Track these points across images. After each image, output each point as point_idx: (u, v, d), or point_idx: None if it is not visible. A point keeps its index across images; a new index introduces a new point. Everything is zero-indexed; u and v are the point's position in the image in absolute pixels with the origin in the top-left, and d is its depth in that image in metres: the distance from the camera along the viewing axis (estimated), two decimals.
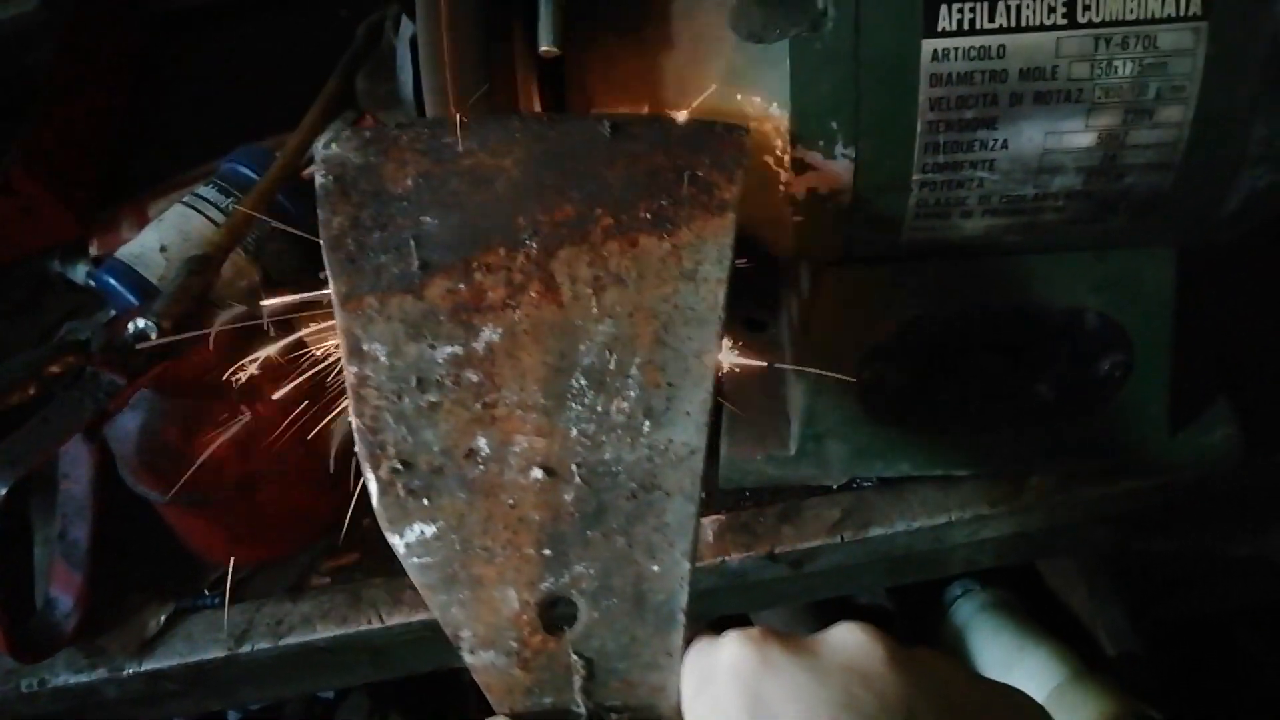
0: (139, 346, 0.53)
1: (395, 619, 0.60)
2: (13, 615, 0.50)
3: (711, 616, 0.67)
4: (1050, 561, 0.82)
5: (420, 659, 0.64)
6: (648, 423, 0.38)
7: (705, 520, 0.62)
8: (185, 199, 0.73)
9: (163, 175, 0.88)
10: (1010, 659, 0.74)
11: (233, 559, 0.61)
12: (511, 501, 0.38)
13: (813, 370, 0.57)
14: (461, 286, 0.39)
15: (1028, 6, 0.42)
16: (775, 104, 0.45)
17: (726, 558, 0.61)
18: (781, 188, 0.47)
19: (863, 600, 0.88)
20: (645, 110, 0.49)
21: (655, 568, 0.38)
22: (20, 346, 0.81)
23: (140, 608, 0.61)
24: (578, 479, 0.38)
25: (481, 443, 0.39)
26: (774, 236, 0.52)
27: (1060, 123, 0.44)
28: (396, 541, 0.38)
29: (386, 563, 0.63)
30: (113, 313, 0.78)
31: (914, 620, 0.83)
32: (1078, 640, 0.77)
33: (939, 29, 0.43)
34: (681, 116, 0.42)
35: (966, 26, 0.43)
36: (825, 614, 0.83)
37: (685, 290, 0.39)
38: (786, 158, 0.46)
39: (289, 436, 0.59)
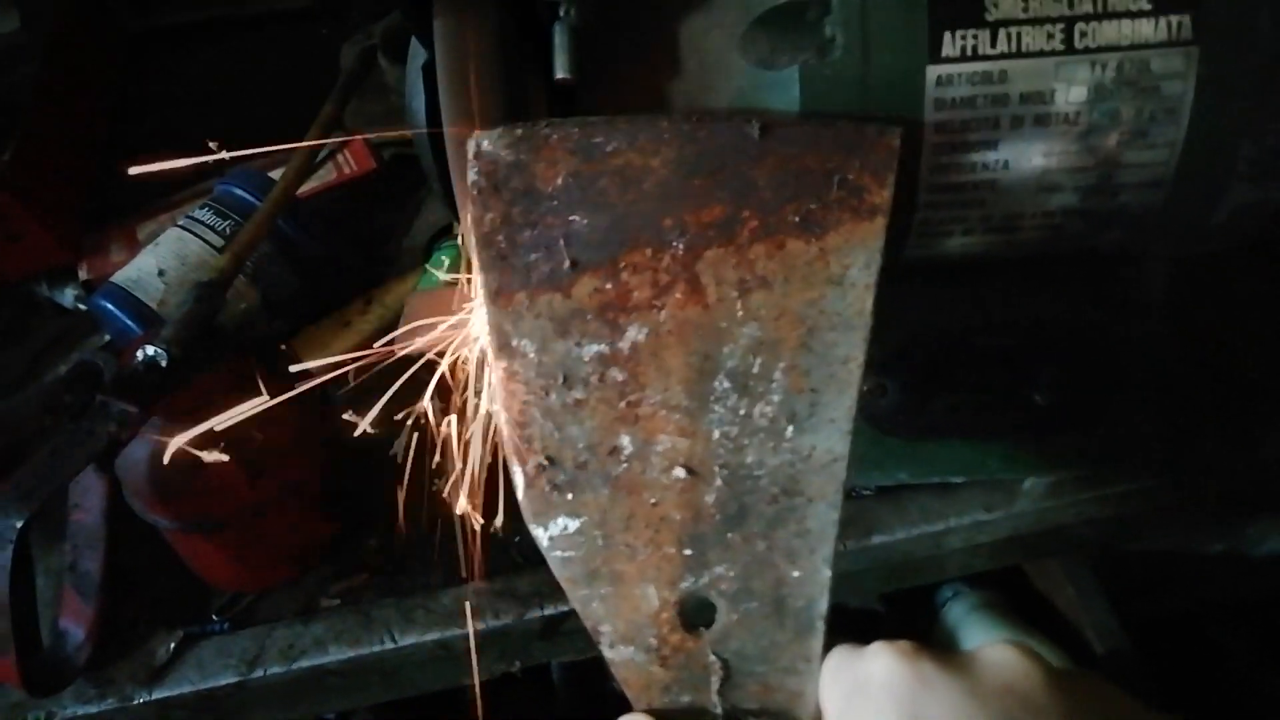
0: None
1: (407, 639, 0.61)
2: (25, 648, 0.50)
3: None
4: (1036, 563, 0.84)
5: (431, 678, 0.64)
6: (791, 428, 0.39)
7: None
8: (181, 222, 0.73)
9: (147, 197, 0.87)
10: None
11: (242, 584, 0.61)
12: (653, 500, 0.39)
13: None
14: (608, 286, 0.39)
15: (1027, 34, 0.44)
16: None
17: None
18: None
19: (854, 604, 0.90)
20: None
21: (795, 573, 0.38)
22: (9, 371, 0.80)
23: (148, 636, 0.61)
24: (719, 480, 0.39)
25: (625, 441, 0.39)
26: None
27: (1059, 144, 0.46)
28: (540, 534, 0.39)
29: (396, 583, 0.63)
30: (107, 337, 0.78)
31: (905, 623, 0.85)
32: (1066, 640, 0.78)
33: (943, 55, 0.44)
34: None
35: (969, 52, 0.44)
36: None
37: (832, 295, 0.39)
38: None
39: (298, 461, 0.59)
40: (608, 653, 0.39)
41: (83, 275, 0.83)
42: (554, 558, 0.39)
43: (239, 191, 0.73)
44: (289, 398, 0.59)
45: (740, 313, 0.39)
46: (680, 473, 0.39)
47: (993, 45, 0.44)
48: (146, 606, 0.62)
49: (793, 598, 0.38)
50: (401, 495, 0.49)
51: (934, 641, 0.82)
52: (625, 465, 0.39)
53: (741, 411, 0.39)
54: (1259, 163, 0.47)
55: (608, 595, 0.39)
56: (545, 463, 0.39)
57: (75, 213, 0.87)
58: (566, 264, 0.39)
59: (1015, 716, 0.32)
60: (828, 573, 0.38)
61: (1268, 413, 0.65)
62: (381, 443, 0.47)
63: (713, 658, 0.39)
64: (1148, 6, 0.43)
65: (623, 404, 0.39)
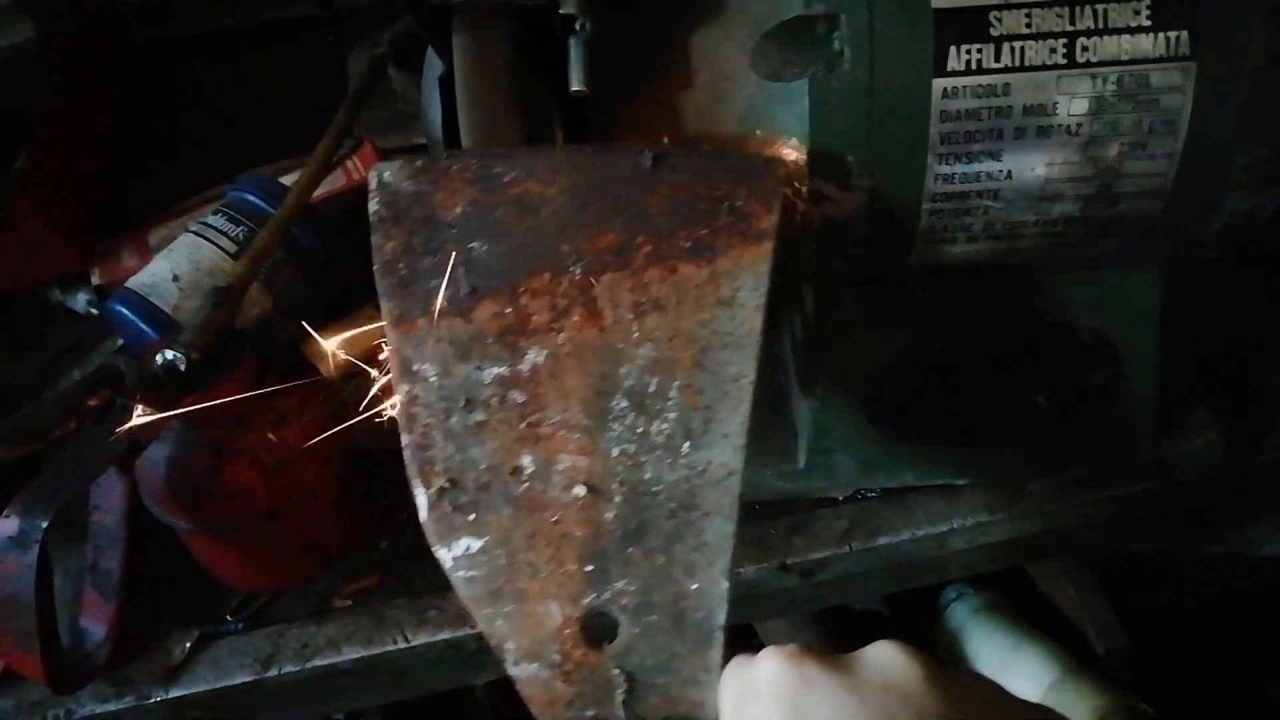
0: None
1: (419, 639, 0.62)
2: (49, 646, 0.51)
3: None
4: (1039, 564, 0.85)
5: (441, 677, 0.65)
6: (687, 444, 0.40)
7: None
8: (194, 228, 0.74)
9: (157, 203, 0.88)
10: (1005, 659, 0.77)
11: (257, 585, 0.62)
12: (555, 518, 0.40)
13: (819, 387, 0.60)
14: (508, 310, 0.41)
15: (1030, 48, 0.45)
16: (794, 139, 0.48)
17: (740, 570, 0.63)
18: (799, 217, 0.50)
19: (859, 606, 0.91)
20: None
21: (694, 585, 0.39)
22: (23, 377, 0.81)
23: (164, 636, 0.62)
24: (619, 497, 0.40)
25: (526, 460, 0.40)
26: (789, 261, 0.54)
27: (1061, 154, 0.47)
28: (444, 555, 0.40)
29: (407, 584, 0.64)
30: (120, 342, 0.79)
31: (909, 624, 0.86)
32: (1067, 639, 0.80)
33: (948, 69, 0.46)
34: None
35: (974, 66, 0.46)
36: (825, 622, 0.85)
37: (723, 316, 0.41)
38: (804, 189, 0.49)
39: (314, 463, 0.60)
40: (512, 670, 0.39)
41: (95, 281, 0.84)
42: (457, 578, 0.39)
43: (251, 197, 0.74)
44: (304, 401, 0.61)
45: (636, 334, 0.41)
46: (581, 491, 0.40)
47: (997, 59, 0.46)
48: (162, 607, 0.63)
49: (692, 610, 0.39)
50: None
51: (937, 643, 0.83)
52: (527, 485, 0.40)
53: (639, 429, 0.40)
54: (1254, 172, 0.48)
55: (511, 613, 0.39)
56: (447, 485, 0.40)
57: (88, 219, 0.88)
58: (466, 290, 0.41)
59: (893, 712, 0.33)
60: (725, 584, 0.39)
61: (1264, 414, 0.66)
62: (394, 445, 0.48)
63: (615, 671, 0.39)
64: (1147, 23, 0.45)
65: (523, 425, 0.40)
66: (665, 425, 0.40)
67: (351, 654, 0.61)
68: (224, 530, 0.59)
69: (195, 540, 0.61)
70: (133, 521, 0.55)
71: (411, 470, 0.40)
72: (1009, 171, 0.48)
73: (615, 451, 0.40)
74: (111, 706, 0.60)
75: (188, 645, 0.61)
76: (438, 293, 0.41)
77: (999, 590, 0.84)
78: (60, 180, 0.85)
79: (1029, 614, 0.83)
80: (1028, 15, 0.45)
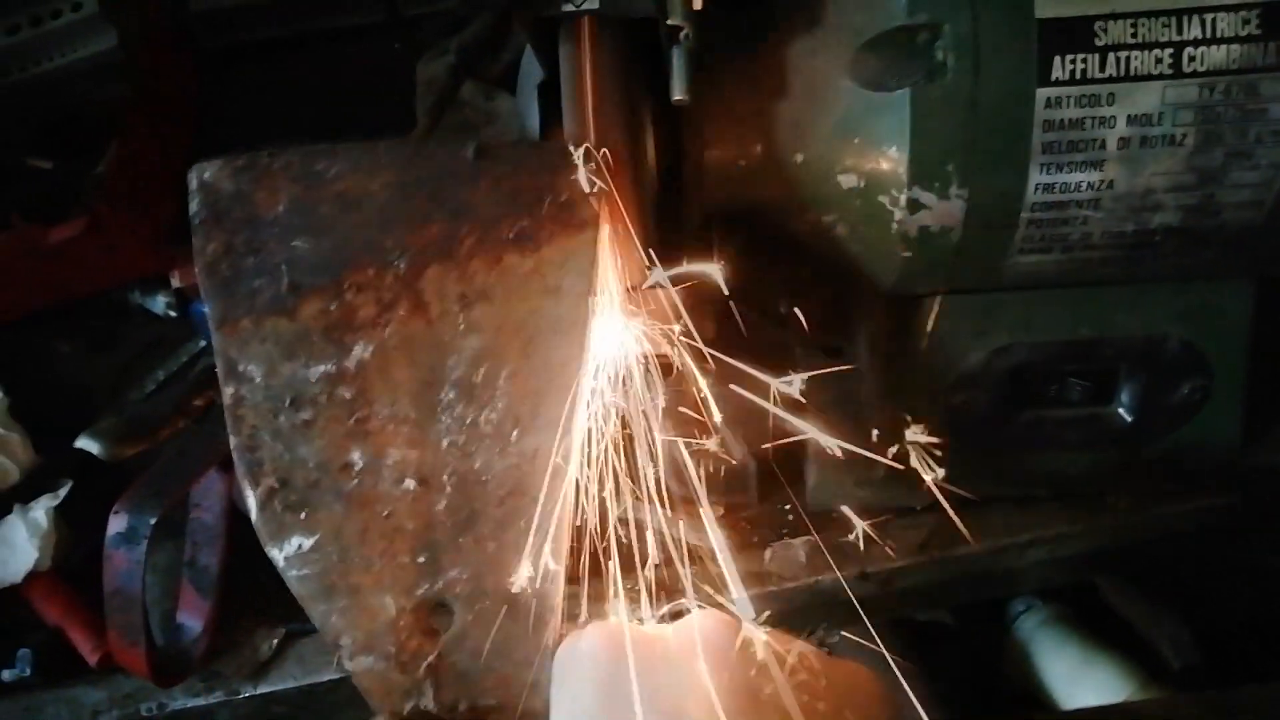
0: None
1: None
2: (151, 640, 0.52)
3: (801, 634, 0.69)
4: (1107, 576, 0.84)
5: None
6: (515, 431, 0.40)
7: (796, 541, 0.65)
8: None
9: None
10: (1077, 672, 0.76)
11: None
12: (386, 512, 0.40)
13: (898, 396, 0.60)
14: (333, 307, 0.41)
15: (1136, 58, 0.45)
16: (894, 147, 0.48)
17: (819, 578, 0.63)
18: (895, 225, 0.50)
19: (923, 617, 0.90)
20: (759, 153, 0.52)
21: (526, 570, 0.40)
22: (101, 377, 0.83)
23: (252, 632, 0.63)
24: (449, 488, 0.40)
25: (356, 456, 0.40)
26: (880, 270, 0.54)
27: (1164, 165, 0.47)
28: (276, 555, 0.40)
29: None
30: (202, 344, 0.80)
31: (977, 636, 0.86)
32: (1137, 653, 0.79)
33: (1052, 78, 0.46)
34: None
35: (1078, 76, 0.46)
36: (896, 634, 0.85)
37: (549, 304, 0.41)
38: (903, 197, 0.49)
39: None
40: (348, 664, 0.40)
41: (175, 284, 0.86)
42: (290, 576, 0.40)
43: None
44: None
45: (463, 325, 0.41)
46: (411, 484, 0.40)
47: (1101, 69, 0.46)
48: (250, 604, 0.64)
49: (524, 594, 0.40)
50: None
51: (1006, 655, 0.82)
52: (357, 481, 0.40)
53: (468, 420, 0.40)
54: None
55: (346, 608, 0.39)
56: (276, 485, 0.40)
57: (167, 223, 0.90)
58: (289, 287, 0.41)
59: (699, 666, 0.34)
60: (556, 566, 0.40)
61: None
62: None
63: (452, 658, 0.39)
64: (1258, 31, 0.44)
65: (352, 420, 0.40)
66: (494, 414, 0.40)
67: None
68: None
69: None
70: (232, 520, 0.56)
71: (240, 471, 0.40)
72: (1110, 181, 0.48)
73: (445, 443, 0.40)
74: (202, 701, 0.61)
75: (275, 642, 0.62)
76: (261, 292, 0.41)
77: (1068, 603, 0.83)
78: (142, 184, 0.87)
79: (1098, 628, 0.82)
80: (1133, 25, 0.45)
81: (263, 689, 0.61)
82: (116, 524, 0.49)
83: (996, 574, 0.66)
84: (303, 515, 0.40)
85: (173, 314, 0.86)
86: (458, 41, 1.00)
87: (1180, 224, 0.49)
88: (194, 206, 0.42)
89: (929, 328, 0.58)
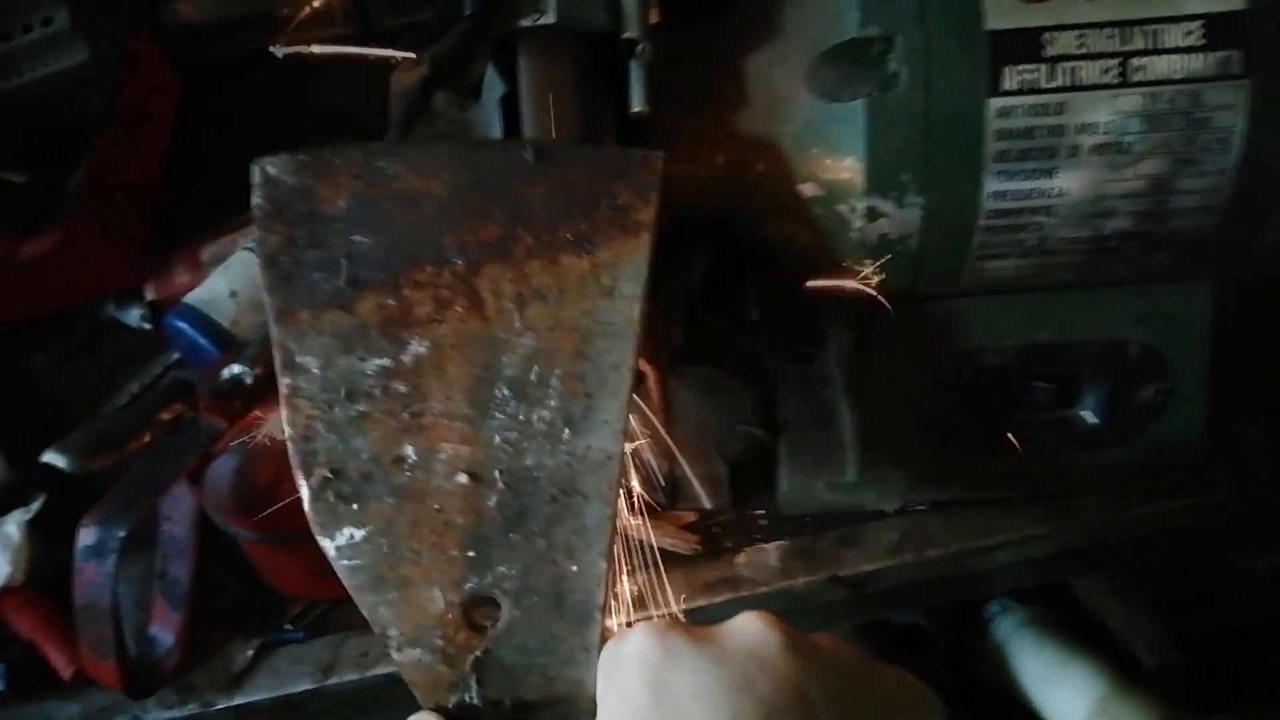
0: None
1: None
2: (123, 653, 0.52)
3: None
4: (1082, 578, 0.85)
5: None
6: (567, 430, 0.41)
7: (769, 546, 0.65)
8: (249, 245, 0.76)
9: (207, 220, 0.90)
10: (1053, 673, 0.77)
11: (317, 593, 0.63)
12: (437, 506, 0.40)
13: (868, 401, 0.60)
14: (391, 302, 0.41)
15: (1084, 68, 0.46)
16: (851, 157, 0.49)
17: (792, 582, 0.64)
18: (855, 233, 0.51)
19: (900, 621, 0.91)
20: (721, 163, 0.53)
21: (574, 568, 0.40)
22: (77, 390, 0.83)
23: (226, 643, 0.63)
24: (500, 484, 0.40)
25: (409, 450, 0.41)
26: (842, 277, 0.55)
27: (1114, 172, 0.48)
28: (328, 545, 0.40)
29: None
30: (175, 356, 0.81)
31: (953, 639, 0.86)
32: (1113, 653, 0.79)
33: (1002, 89, 0.47)
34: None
35: (1028, 86, 0.46)
36: (867, 637, 0.85)
37: (604, 306, 0.41)
38: (861, 206, 0.50)
39: None
40: (396, 656, 0.40)
41: (149, 296, 0.86)
42: (341, 567, 0.40)
43: None
44: None
45: (518, 324, 0.41)
46: (463, 478, 0.40)
47: (1050, 79, 0.46)
48: (224, 616, 0.65)
49: (571, 592, 0.40)
50: None
51: (983, 657, 0.83)
52: (409, 474, 0.40)
53: (521, 417, 0.41)
54: None
55: (395, 600, 0.40)
56: (330, 475, 0.40)
57: (141, 236, 0.90)
58: (348, 281, 0.41)
59: (752, 676, 0.34)
60: (604, 565, 0.40)
61: None
62: None
63: (498, 653, 0.40)
64: (1200, 42, 0.45)
65: (406, 415, 0.41)
66: (546, 413, 0.41)
67: None
68: (287, 540, 0.60)
69: (257, 550, 0.62)
70: (202, 532, 0.57)
71: (294, 462, 0.41)
72: (1062, 189, 0.48)
73: (497, 439, 0.41)
74: (176, 713, 0.61)
75: (250, 653, 0.63)
76: (320, 286, 0.41)
77: (1044, 604, 0.84)
78: (115, 198, 0.88)
79: (1073, 628, 0.83)
80: (1080, 36, 0.46)
81: (237, 700, 0.62)
82: (85, 537, 0.50)
83: (968, 576, 0.67)
84: (355, 506, 0.40)
85: (147, 326, 0.86)
86: (431, 53, 1.01)
87: (1134, 229, 0.50)
88: (256, 199, 0.42)
89: (896, 334, 0.59)
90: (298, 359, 0.41)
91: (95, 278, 0.86)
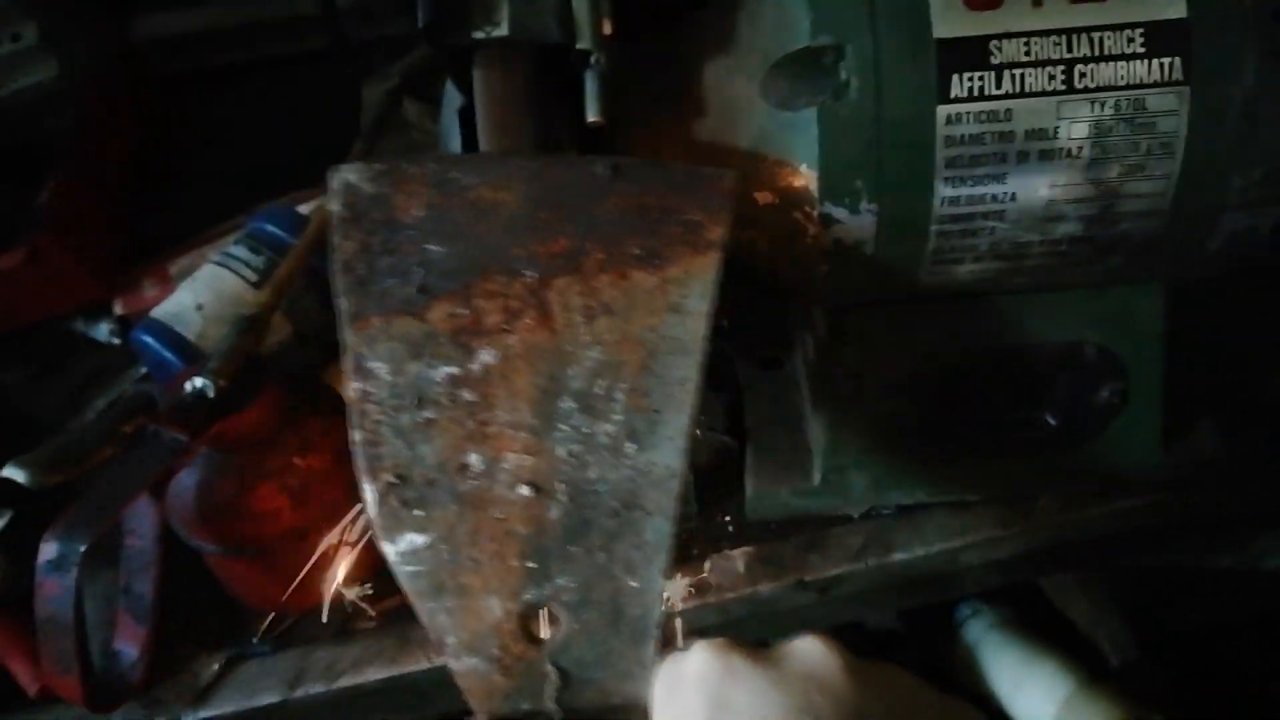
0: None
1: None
2: (86, 667, 0.52)
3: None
4: (1051, 578, 0.86)
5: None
6: (632, 445, 0.41)
7: (735, 552, 0.66)
8: (216, 259, 0.76)
9: (177, 235, 0.90)
10: (1021, 673, 0.78)
11: (283, 607, 0.63)
12: (499, 515, 0.41)
13: (833, 406, 0.61)
14: (462, 311, 0.42)
15: (1030, 75, 0.47)
16: (805, 164, 0.49)
17: (758, 587, 0.64)
18: (810, 240, 0.51)
19: (873, 623, 0.92)
20: None
21: (633, 583, 0.40)
22: (46, 405, 0.83)
23: (191, 658, 0.63)
24: (563, 496, 0.41)
25: (473, 458, 0.41)
26: (802, 282, 0.56)
27: (1063, 177, 0.49)
28: (389, 550, 0.40)
29: None
30: (143, 370, 0.80)
31: (926, 641, 0.87)
32: (1082, 653, 0.80)
33: (951, 96, 0.47)
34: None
35: (976, 93, 0.47)
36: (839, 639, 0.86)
37: (671, 322, 0.42)
38: (815, 213, 0.50)
39: (339, 487, 0.62)
40: (452, 664, 0.40)
41: (118, 311, 0.86)
42: (402, 572, 0.40)
43: (271, 228, 0.76)
44: (328, 425, 0.62)
45: (586, 337, 0.42)
46: (526, 489, 0.41)
47: (998, 86, 0.47)
48: (190, 629, 0.64)
49: (630, 607, 0.40)
50: None
51: (954, 658, 0.83)
52: (473, 482, 0.41)
53: (585, 430, 0.41)
54: (1249, 191, 0.49)
55: (453, 608, 0.40)
56: (395, 480, 0.40)
57: (109, 250, 0.90)
58: (421, 289, 0.42)
59: (813, 699, 0.34)
60: (662, 582, 0.40)
61: (1268, 425, 0.67)
62: None
63: (553, 666, 0.40)
64: (1142, 50, 0.46)
65: (472, 423, 0.41)
66: (611, 427, 0.41)
67: (377, 674, 0.62)
68: (251, 553, 0.60)
69: (223, 563, 0.62)
70: (165, 546, 0.56)
71: (360, 466, 0.41)
72: (1013, 194, 0.49)
73: (561, 451, 0.41)
74: None
75: (216, 667, 0.62)
76: (392, 293, 0.42)
77: (1014, 606, 0.84)
78: (82, 214, 0.87)
79: (1044, 629, 0.83)
80: (1026, 43, 0.47)
81: (203, 714, 0.61)
82: (47, 551, 0.49)
83: (933, 578, 0.67)
84: (418, 512, 0.40)
85: (116, 341, 0.86)
86: (401, 65, 1.01)
87: (1084, 234, 0.51)
88: (334, 205, 0.42)
89: (859, 338, 0.60)
90: (368, 364, 0.41)
91: (63, 293, 0.86)
